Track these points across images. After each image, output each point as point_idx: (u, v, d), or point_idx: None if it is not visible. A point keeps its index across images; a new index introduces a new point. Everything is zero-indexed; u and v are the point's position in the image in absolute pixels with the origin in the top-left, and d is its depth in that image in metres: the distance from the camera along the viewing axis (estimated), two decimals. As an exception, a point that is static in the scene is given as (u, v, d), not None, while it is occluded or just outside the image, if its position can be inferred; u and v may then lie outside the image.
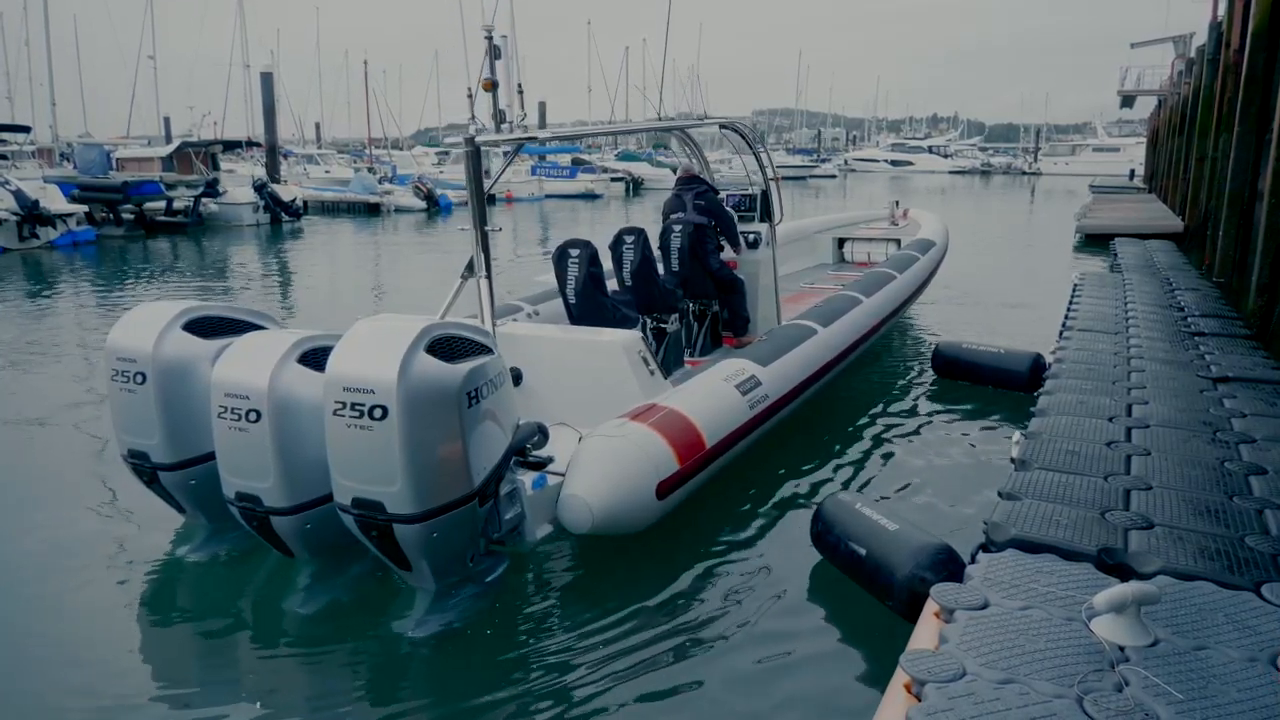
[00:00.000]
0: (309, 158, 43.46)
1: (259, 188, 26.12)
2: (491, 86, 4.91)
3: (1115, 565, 3.16)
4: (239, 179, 27.85)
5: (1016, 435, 4.55)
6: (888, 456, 6.03)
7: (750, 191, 7.79)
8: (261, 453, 3.74)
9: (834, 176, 61.71)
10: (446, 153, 48.20)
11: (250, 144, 33.43)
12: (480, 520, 3.82)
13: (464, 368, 3.58)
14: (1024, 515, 3.48)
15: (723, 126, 7.58)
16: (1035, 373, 6.84)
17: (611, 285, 6.47)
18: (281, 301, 13.63)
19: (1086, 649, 2.57)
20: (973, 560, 3.26)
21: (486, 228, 5.00)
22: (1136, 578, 3.04)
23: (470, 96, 4.97)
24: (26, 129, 28.80)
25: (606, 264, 6.35)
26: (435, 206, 32.16)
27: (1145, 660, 2.52)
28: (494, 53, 4.96)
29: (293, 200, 27.13)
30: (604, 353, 5.18)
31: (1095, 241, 18.63)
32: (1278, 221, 7.23)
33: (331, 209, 31.96)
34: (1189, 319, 7.56)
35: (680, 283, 6.85)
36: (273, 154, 31.53)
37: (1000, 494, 3.77)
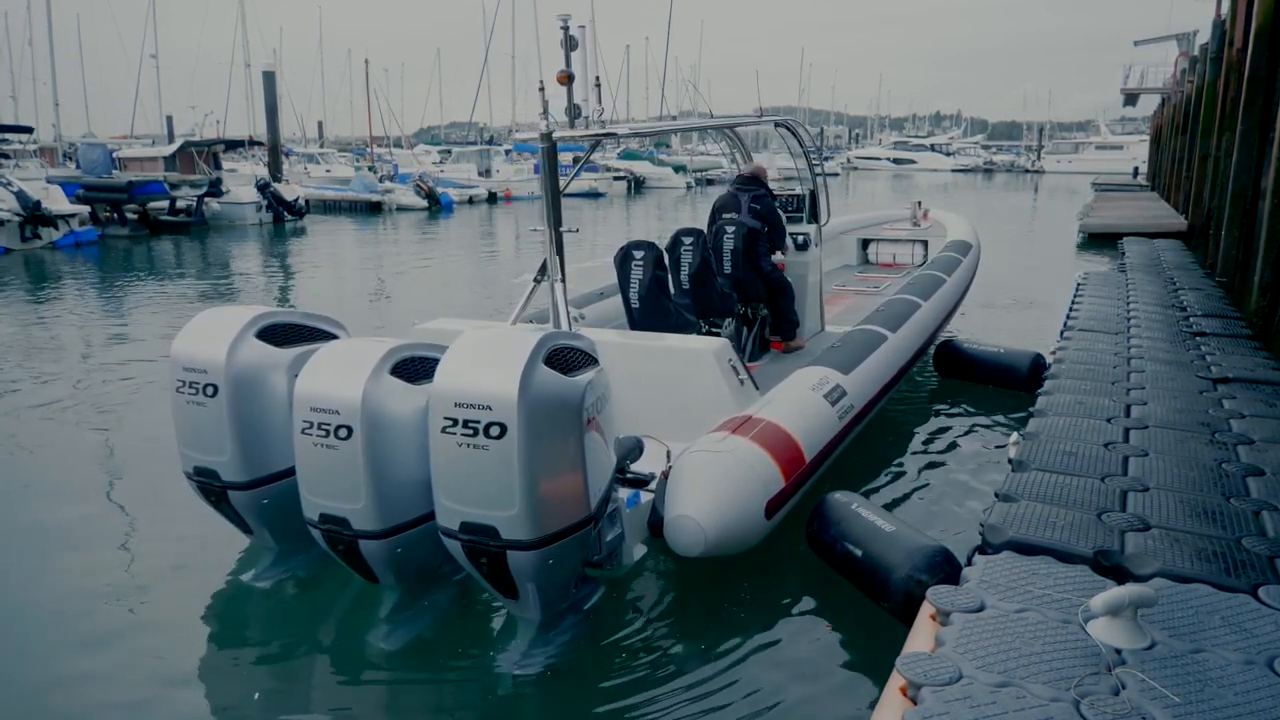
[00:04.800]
0: (310, 157, 43.46)
1: (262, 187, 26.20)
2: (568, 80, 4.60)
3: (1112, 567, 3.15)
4: (241, 178, 27.88)
5: (1014, 436, 4.54)
6: (886, 455, 6.02)
7: (798, 192, 7.64)
8: (352, 472, 3.39)
9: (836, 175, 61.64)
10: (448, 151, 48.23)
11: (252, 143, 33.44)
12: (588, 545, 3.58)
13: (582, 380, 3.32)
14: (1021, 517, 3.47)
15: (777, 124, 7.41)
16: (1035, 372, 6.84)
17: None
18: (291, 303, 13.61)
19: (1083, 652, 2.57)
20: (969, 562, 3.25)
21: (561, 229, 4.67)
22: (1133, 580, 3.03)
23: (542, 90, 4.59)
24: (29, 129, 28.84)
25: None
26: (437, 205, 32.27)
27: (1142, 663, 2.52)
28: (570, 44, 4.62)
29: (296, 199, 27.21)
30: (694, 361, 4.88)
31: (1098, 240, 18.61)
32: (1280, 221, 7.22)
33: (333, 208, 32.02)
34: (1191, 319, 7.55)
35: (734, 285, 6.68)
36: (275, 153, 31.51)
37: (997, 495, 3.76)
